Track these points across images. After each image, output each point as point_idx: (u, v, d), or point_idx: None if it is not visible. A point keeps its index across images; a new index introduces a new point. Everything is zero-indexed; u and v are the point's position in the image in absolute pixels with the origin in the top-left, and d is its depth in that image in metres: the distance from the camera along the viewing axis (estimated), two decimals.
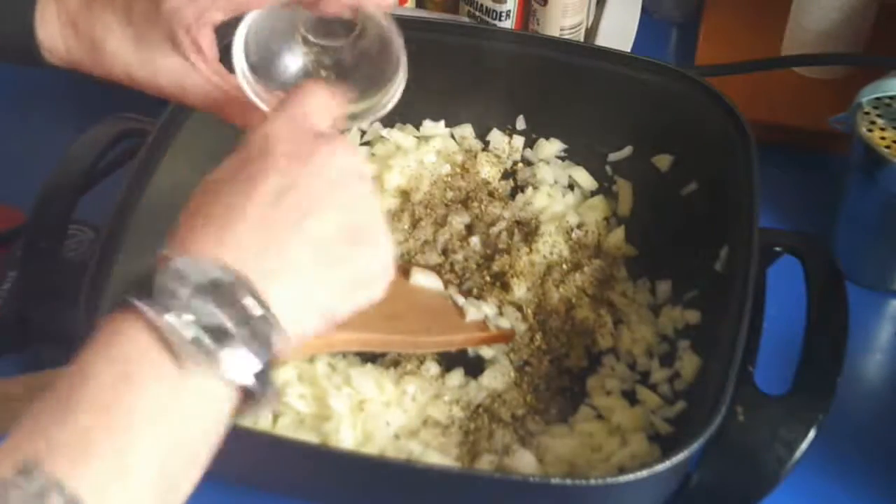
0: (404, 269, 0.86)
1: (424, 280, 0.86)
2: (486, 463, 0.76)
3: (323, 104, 0.63)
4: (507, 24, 1.04)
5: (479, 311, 0.84)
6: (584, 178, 0.94)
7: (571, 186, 0.94)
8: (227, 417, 0.54)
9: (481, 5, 1.04)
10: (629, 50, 1.04)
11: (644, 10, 1.10)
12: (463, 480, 0.71)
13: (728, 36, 1.11)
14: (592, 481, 0.68)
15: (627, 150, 0.94)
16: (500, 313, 0.86)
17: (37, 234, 0.80)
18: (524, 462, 0.76)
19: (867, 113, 0.89)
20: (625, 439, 0.78)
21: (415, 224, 0.91)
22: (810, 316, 0.77)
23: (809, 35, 1.06)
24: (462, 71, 0.94)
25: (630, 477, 0.68)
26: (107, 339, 0.53)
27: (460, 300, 0.86)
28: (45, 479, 0.48)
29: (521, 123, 0.96)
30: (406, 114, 0.96)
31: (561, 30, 1.04)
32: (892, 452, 0.83)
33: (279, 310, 0.55)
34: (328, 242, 0.58)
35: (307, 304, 0.58)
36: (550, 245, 0.89)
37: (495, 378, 0.82)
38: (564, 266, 0.88)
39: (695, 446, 0.68)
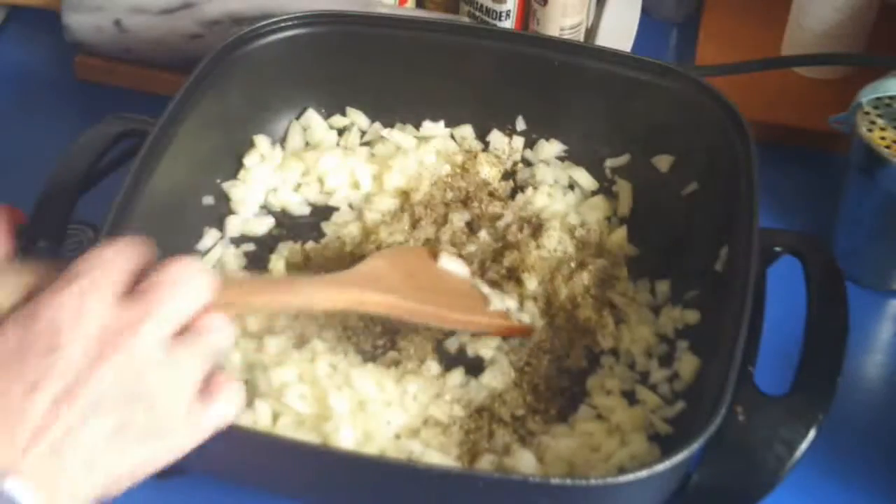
0: (433, 252, 0.87)
1: (452, 265, 0.86)
2: (486, 463, 0.76)
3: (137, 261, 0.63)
4: (507, 24, 1.04)
5: (503, 302, 0.84)
6: (584, 179, 0.94)
7: (571, 186, 0.94)
8: None
9: (481, 5, 1.04)
10: (629, 50, 1.04)
11: (644, 10, 1.10)
12: (463, 480, 0.71)
13: (728, 36, 1.11)
14: (592, 481, 0.68)
15: (625, 157, 0.94)
16: (521, 308, 0.86)
17: (37, 234, 0.80)
18: (524, 462, 0.76)
19: (867, 113, 0.89)
20: (624, 439, 0.78)
21: (415, 224, 0.91)
22: (810, 316, 0.77)
23: (809, 35, 1.06)
24: (462, 71, 0.94)
25: (630, 477, 0.68)
26: None
27: (485, 289, 0.86)
28: None
29: (521, 124, 0.96)
30: (406, 114, 0.97)
31: (561, 30, 1.04)
32: (892, 452, 0.83)
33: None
34: (109, 440, 0.60)
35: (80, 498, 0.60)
36: (556, 240, 0.89)
37: (495, 378, 0.82)
38: (571, 263, 0.88)
39: (695, 446, 0.68)
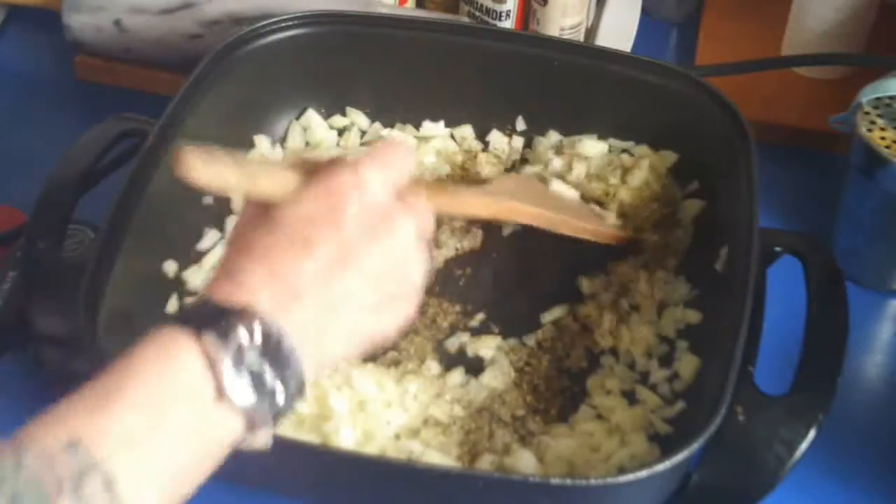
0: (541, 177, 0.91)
1: (563, 189, 0.90)
2: (486, 463, 0.76)
3: (409, 168, 0.68)
4: (507, 24, 1.04)
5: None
6: (591, 146, 0.93)
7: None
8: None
9: (481, 5, 1.04)
10: (629, 50, 1.04)
11: (644, 10, 1.10)
12: (463, 480, 0.71)
13: (728, 36, 1.11)
14: (592, 481, 0.68)
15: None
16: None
17: (37, 234, 0.80)
18: (524, 462, 0.76)
19: (867, 113, 0.89)
20: (624, 439, 0.78)
21: None
22: (810, 316, 0.77)
23: (809, 35, 1.06)
24: (462, 71, 0.94)
25: (630, 477, 0.68)
26: (163, 352, 0.59)
27: (596, 208, 0.89)
28: (88, 458, 0.54)
29: (521, 124, 0.96)
30: (406, 114, 0.96)
31: (561, 30, 1.04)
32: (892, 452, 0.83)
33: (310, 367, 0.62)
34: (363, 314, 0.65)
35: (333, 357, 0.65)
36: (643, 179, 0.91)
37: (495, 378, 0.82)
38: (654, 205, 0.90)
39: (695, 446, 0.68)
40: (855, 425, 0.83)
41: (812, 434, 0.71)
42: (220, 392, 0.58)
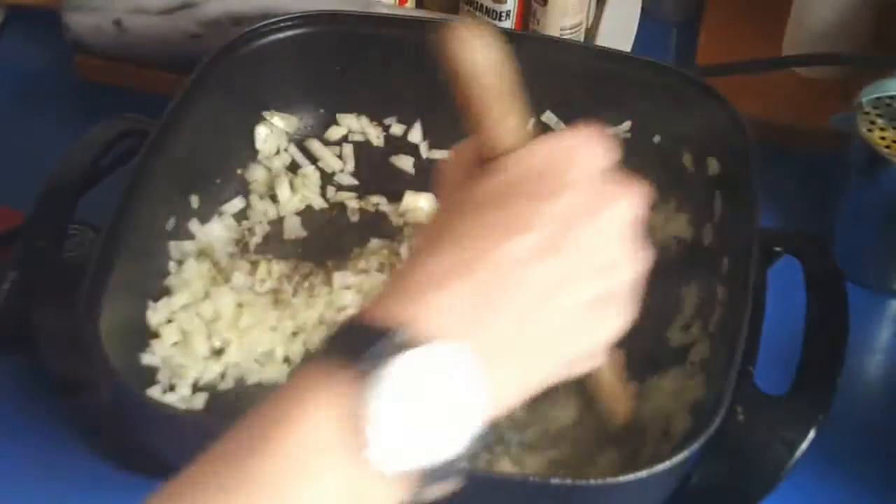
0: None
1: None
2: (484, 462, 0.76)
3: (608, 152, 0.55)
4: (507, 24, 1.04)
5: None
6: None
7: None
8: None
9: (481, 5, 1.04)
10: (629, 50, 1.04)
11: (644, 10, 1.10)
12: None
13: (728, 36, 1.11)
14: (592, 481, 0.68)
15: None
16: None
17: (37, 234, 0.80)
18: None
19: (867, 113, 0.89)
20: None
21: None
22: (810, 316, 0.77)
23: (809, 35, 1.06)
24: None
25: (630, 477, 0.67)
26: (299, 409, 0.46)
27: None
28: None
29: None
30: (406, 114, 0.96)
31: (561, 30, 1.04)
32: (893, 452, 0.83)
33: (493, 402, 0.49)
34: (571, 318, 0.51)
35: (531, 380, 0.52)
36: None
37: None
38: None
39: (695, 446, 0.68)
40: (855, 425, 0.83)
41: (812, 434, 0.71)
42: (370, 457, 0.46)
